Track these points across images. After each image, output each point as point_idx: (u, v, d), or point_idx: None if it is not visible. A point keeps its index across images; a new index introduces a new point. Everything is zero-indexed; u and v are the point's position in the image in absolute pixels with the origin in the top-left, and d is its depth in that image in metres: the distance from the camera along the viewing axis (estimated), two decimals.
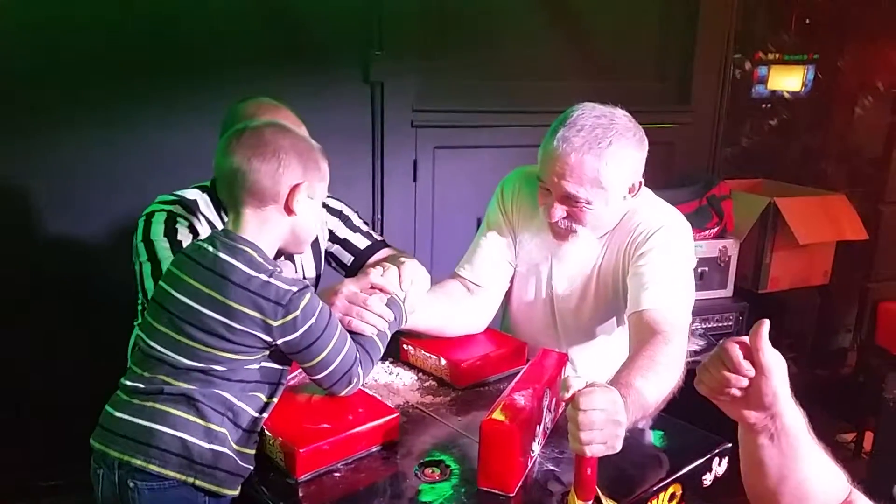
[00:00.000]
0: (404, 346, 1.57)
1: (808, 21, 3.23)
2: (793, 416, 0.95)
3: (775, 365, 0.92)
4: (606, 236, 1.54)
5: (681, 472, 1.18)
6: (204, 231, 1.54)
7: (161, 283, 1.20)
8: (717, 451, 1.24)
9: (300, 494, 1.09)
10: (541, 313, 1.65)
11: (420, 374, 1.52)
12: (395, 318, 1.34)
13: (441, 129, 2.63)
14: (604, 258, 1.54)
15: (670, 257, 1.45)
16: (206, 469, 1.12)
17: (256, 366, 1.17)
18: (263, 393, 1.18)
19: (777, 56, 3.24)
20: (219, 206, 1.61)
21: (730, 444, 1.25)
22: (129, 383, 1.17)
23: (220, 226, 1.57)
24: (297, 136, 1.22)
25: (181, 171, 2.07)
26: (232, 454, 1.14)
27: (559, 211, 1.46)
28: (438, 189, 2.69)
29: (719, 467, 1.25)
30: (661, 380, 1.23)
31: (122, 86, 2.17)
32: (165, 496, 1.12)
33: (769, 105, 3.32)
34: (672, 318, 1.37)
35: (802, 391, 3.10)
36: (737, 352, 0.93)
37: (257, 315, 1.11)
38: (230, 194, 1.19)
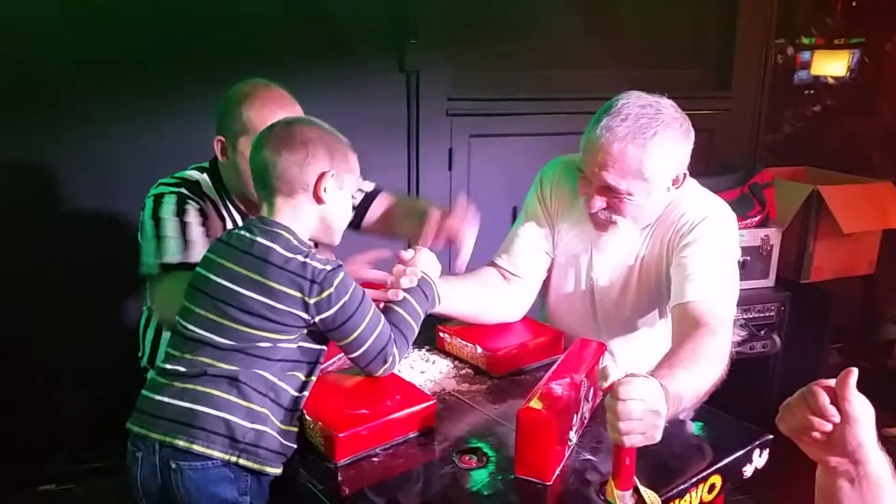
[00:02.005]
0: (441, 333, 1.57)
1: (854, 3, 3.14)
2: (877, 463, 0.92)
3: (863, 414, 0.89)
4: (649, 227, 1.51)
5: (721, 464, 1.16)
6: (211, 213, 1.57)
7: (198, 269, 1.24)
8: (757, 442, 1.22)
9: (339, 478, 1.10)
10: (580, 304, 1.64)
11: (456, 362, 1.53)
12: (428, 298, 1.35)
13: (476, 118, 2.62)
14: (647, 249, 1.52)
15: (715, 248, 1.42)
16: (250, 448, 1.14)
17: (295, 345, 1.19)
18: (302, 372, 1.21)
19: (821, 40, 3.16)
20: (219, 187, 1.62)
21: (771, 436, 1.23)
22: (168, 366, 1.19)
23: (222, 206, 1.62)
24: (325, 130, 1.26)
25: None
26: (275, 433, 1.16)
27: (599, 202, 1.44)
28: (474, 178, 2.68)
29: (760, 459, 1.23)
30: (703, 372, 1.21)
31: (155, 76, 2.20)
32: (208, 476, 1.14)
33: (812, 91, 3.24)
34: (717, 310, 1.35)
35: None
36: (823, 396, 0.90)
37: (297, 294, 1.15)
38: (263, 186, 1.24)
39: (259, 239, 1.18)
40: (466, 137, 2.64)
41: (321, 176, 1.21)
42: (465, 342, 1.52)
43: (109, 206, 2.23)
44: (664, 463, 1.14)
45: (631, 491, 1.01)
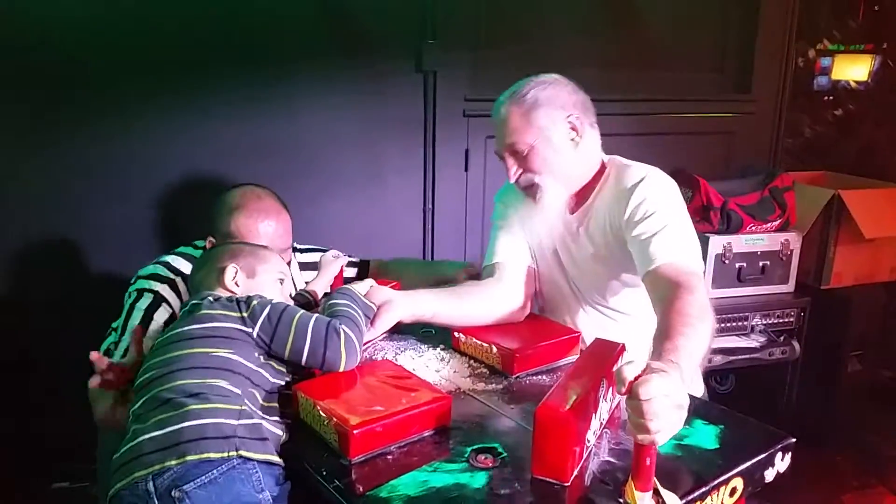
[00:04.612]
0: (455, 333, 1.56)
1: (876, 8, 3.10)
2: None
3: None
4: (592, 200, 1.61)
5: (743, 466, 1.13)
6: None
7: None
8: (780, 445, 1.19)
9: (353, 475, 1.09)
10: (557, 282, 1.71)
11: (471, 362, 1.51)
12: (346, 294, 1.42)
13: None
14: (593, 217, 1.61)
15: (661, 207, 1.48)
16: (247, 440, 1.11)
17: (254, 366, 1.23)
18: (259, 392, 1.23)
19: (842, 44, 3.12)
20: None
21: (793, 440, 1.21)
22: (132, 419, 1.17)
23: None
24: (232, 243, 1.52)
25: (239, 159, 2.10)
26: (261, 424, 1.15)
27: (514, 168, 1.59)
28: (490, 179, 2.67)
29: (782, 463, 1.20)
30: (698, 332, 1.22)
31: (173, 76, 2.21)
32: (219, 487, 1.07)
33: (831, 97, 3.21)
34: (685, 265, 1.40)
35: (867, 393, 2.98)
36: None
37: (231, 313, 1.28)
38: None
39: (192, 300, 1.36)
40: (483, 138, 2.63)
41: (222, 270, 1.40)
42: (480, 342, 1.51)
43: (117, 207, 2.24)
44: (685, 465, 1.12)
45: (651, 493, 0.99)
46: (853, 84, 3.15)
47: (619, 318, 1.66)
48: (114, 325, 1.64)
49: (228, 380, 1.18)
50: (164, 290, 1.60)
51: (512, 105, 1.56)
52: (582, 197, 1.64)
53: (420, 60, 2.47)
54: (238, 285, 1.40)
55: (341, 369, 1.29)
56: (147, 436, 1.11)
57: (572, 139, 1.57)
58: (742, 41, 2.95)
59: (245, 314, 1.27)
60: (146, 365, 1.26)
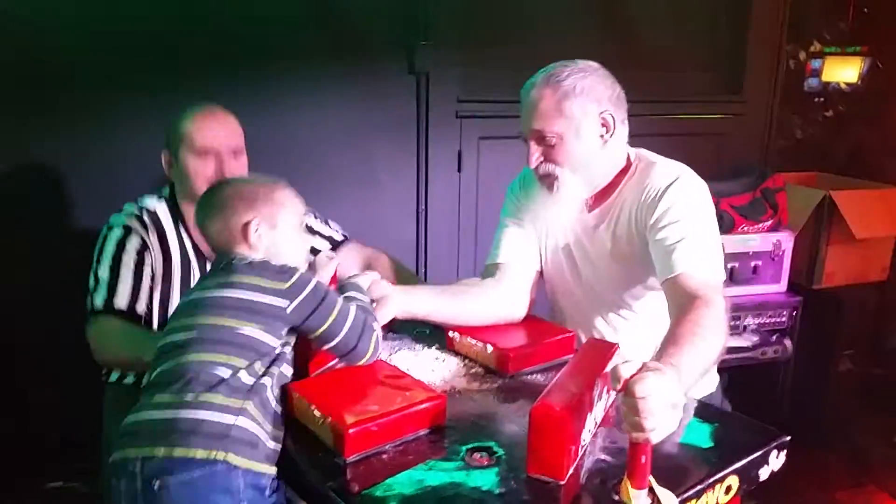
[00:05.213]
0: (450, 333, 1.56)
1: (866, 10, 3.13)
2: None
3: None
4: (617, 197, 1.55)
5: (738, 464, 1.13)
6: (154, 246, 1.70)
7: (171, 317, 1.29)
8: (775, 443, 1.20)
9: (348, 475, 1.08)
10: (567, 280, 1.67)
11: (466, 361, 1.51)
12: (359, 289, 1.40)
13: (486, 120, 2.62)
14: (616, 218, 1.56)
15: (689, 214, 1.44)
16: (238, 443, 1.09)
17: (279, 344, 1.20)
18: (276, 374, 1.20)
19: (832, 46, 3.15)
20: (176, 217, 1.75)
21: (788, 438, 1.21)
22: (148, 382, 1.17)
23: (174, 235, 1.74)
24: (241, 182, 1.37)
25: None
26: (259, 427, 1.13)
27: (536, 154, 1.52)
28: (483, 180, 2.67)
29: (777, 461, 1.21)
30: (708, 345, 1.21)
31: (172, 77, 2.20)
32: (197, 489, 1.05)
33: (822, 98, 3.23)
34: (705, 277, 1.37)
35: (859, 391, 2.99)
36: None
37: (265, 283, 1.20)
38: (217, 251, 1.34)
39: (220, 262, 1.29)
40: (476, 140, 2.64)
41: (245, 227, 1.28)
42: (475, 341, 1.50)
43: (114, 206, 2.22)
44: (680, 463, 1.12)
45: (646, 490, 0.99)
46: (843, 86, 3.17)
47: (630, 317, 1.62)
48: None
49: (247, 361, 1.15)
50: (132, 222, 1.70)
51: (546, 88, 1.47)
52: (603, 193, 1.57)
53: (413, 62, 2.47)
54: (262, 238, 1.29)
55: (362, 363, 1.29)
56: (146, 414, 1.12)
57: (601, 136, 1.50)
58: (733, 43, 2.97)
59: (285, 286, 1.20)
60: (170, 326, 1.23)
